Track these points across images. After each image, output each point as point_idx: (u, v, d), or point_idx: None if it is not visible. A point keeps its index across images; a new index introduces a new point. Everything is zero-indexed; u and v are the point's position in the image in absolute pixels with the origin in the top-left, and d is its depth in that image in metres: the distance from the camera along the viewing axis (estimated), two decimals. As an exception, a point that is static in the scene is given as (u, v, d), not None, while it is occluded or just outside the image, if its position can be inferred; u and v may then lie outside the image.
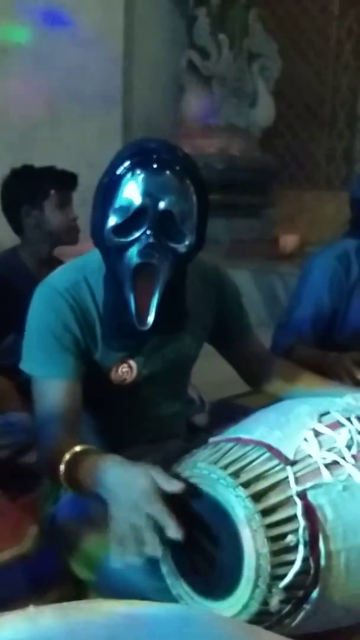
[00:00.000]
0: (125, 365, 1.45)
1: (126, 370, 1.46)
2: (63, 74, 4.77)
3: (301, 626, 1.08)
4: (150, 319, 1.34)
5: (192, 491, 1.10)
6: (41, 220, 2.27)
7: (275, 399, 1.62)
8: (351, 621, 1.15)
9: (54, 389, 1.37)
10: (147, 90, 5.44)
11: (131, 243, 1.31)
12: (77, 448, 1.25)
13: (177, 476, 1.12)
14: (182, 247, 1.33)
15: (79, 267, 1.45)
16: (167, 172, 1.30)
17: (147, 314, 1.33)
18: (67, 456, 1.24)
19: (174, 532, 1.05)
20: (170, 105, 5.72)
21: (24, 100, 4.64)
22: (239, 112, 5.81)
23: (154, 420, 1.54)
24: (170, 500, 1.09)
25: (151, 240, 1.29)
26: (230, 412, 1.73)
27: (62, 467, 1.24)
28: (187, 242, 1.33)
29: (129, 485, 1.10)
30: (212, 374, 1.76)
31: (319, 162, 6.46)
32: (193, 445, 1.47)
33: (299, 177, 6.55)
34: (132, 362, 1.46)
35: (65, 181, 2.31)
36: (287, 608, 1.04)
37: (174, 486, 1.08)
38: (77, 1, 4.80)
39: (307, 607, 1.06)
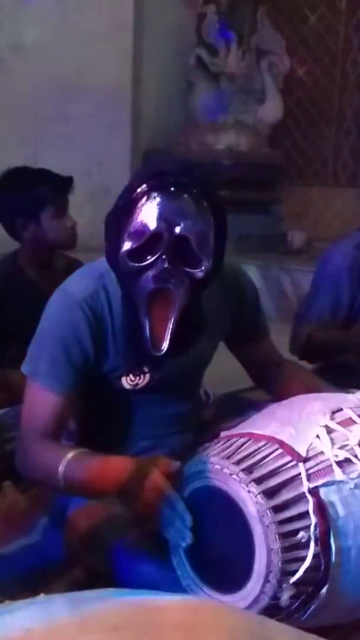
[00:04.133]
0: (138, 372, 1.43)
1: (139, 376, 1.44)
2: (72, 70, 4.77)
3: (310, 620, 1.09)
4: (165, 345, 1.31)
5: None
6: (38, 232, 2.15)
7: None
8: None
9: (49, 401, 1.36)
10: (155, 87, 5.44)
11: (146, 268, 1.28)
12: (76, 452, 1.28)
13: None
14: (198, 273, 1.30)
15: (98, 275, 1.40)
16: (184, 195, 1.27)
17: (162, 341, 1.31)
18: (69, 455, 1.27)
19: (187, 519, 1.10)
20: (179, 102, 5.71)
21: (34, 96, 4.65)
22: (247, 109, 5.80)
23: (165, 419, 1.53)
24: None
25: (166, 265, 1.27)
26: (236, 406, 1.74)
27: (61, 469, 1.26)
28: (203, 267, 1.30)
29: (137, 481, 1.14)
30: (218, 368, 1.76)
31: (326, 159, 6.43)
32: (200, 439, 1.48)
33: (307, 173, 6.52)
34: (145, 369, 1.43)
35: (61, 188, 2.17)
36: (297, 603, 1.06)
37: (173, 466, 1.13)
38: (88, -1, 4.81)
39: (316, 602, 1.07)
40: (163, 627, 0.67)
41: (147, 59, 5.32)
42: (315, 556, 1.04)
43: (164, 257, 1.27)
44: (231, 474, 1.08)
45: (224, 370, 1.80)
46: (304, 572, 1.03)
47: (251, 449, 1.12)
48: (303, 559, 1.03)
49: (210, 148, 5.44)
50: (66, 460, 1.26)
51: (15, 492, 1.55)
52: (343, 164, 6.35)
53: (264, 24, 5.87)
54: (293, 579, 1.03)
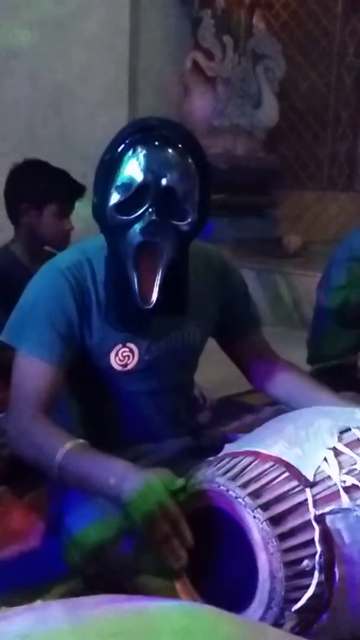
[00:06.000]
0: (126, 349, 1.42)
1: (127, 355, 1.42)
2: (69, 74, 4.77)
3: (310, 640, 1.08)
4: (154, 297, 1.33)
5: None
6: (36, 223, 2.20)
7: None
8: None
9: (37, 369, 1.35)
10: (152, 91, 5.44)
11: (134, 221, 1.30)
12: (75, 442, 1.25)
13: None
14: (184, 225, 1.32)
15: (83, 249, 1.44)
16: (169, 149, 1.30)
17: (150, 293, 1.33)
18: (67, 445, 1.24)
19: (188, 537, 1.07)
20: (175, 105, 5.72)
21: (31, 100, 4.65)
22: (243, 113, 5.81)
23: (160, 419, 1.51)
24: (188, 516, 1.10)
25: (154, 217, 1.28)
26: (233, 409, 1.73)
27: (58, 458, 1.24)
28: (189, 220, 1.32)
29: (145, 497, 1.11)
30: (214, 372, 1.75)
31: (322, 163, 6.44)
32: (198, 443, 1.48)
33: (303, 177, 6.52)
34: (132, 346, 1.42)
35: (73, 193, 2.24)
36: (297, 629, 1.04)
37: (178, 483, 1.10)
38: (84, 2, 4.80)
39: (317, 626, 1.05)
40: (160, 633, 0.67)
41: (144, 63, 5.32)
42: (318, 584, 1.02)
43: (151, 209, 1.28)
44: (237, 497, 1.06)
45: (220, 375, 1.79)
46: (307, 600, 1.02)
47: (257, 471, 1.10)
48: (306, 587, 1.02)
49: (206, 152, 5.44)
50: (64, 450, 1.24)
51: (12, 498, 1.55)
52: (339, 168, 6.36)
53: (259, 28, 5.88)
54: (295, 607, 1.02)
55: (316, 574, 1.02)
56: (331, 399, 1.50)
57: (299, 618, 1.03)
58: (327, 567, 1.03)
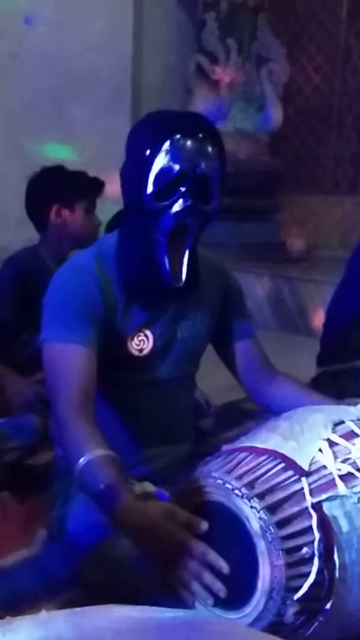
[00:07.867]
0: (141, 334, 1.49)
1: (142, 339, 1.49)
2: (73, 77, 4.78)
3: (314, 636, 1.07)
4: (184, 275, 1.42)
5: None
6: (70, 221, 2.30)
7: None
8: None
9: (72, 354, 1.39)
10: (155, 94, 5.44)
11: (169, 206, 1.38)
12: (97, 454, 1.24)
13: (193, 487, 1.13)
14: (210, 209, 1.41)
15: (94, 249, 1.52)
16: (200, 138, 1.38)
17: (180, 271, 1.42)
18: (87, 456, 1.23)
19: (223, 566, 1.06)
20: (179, 109, 5.72)
21: (34, 102, 4.65)
22: (246, 117, 5.81)
23: (167, 415, 1.53)
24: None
25: (189, 203, 1.37)
26: (236, 415, 1.73)
27: (81, 462, 1.23)
28: (214, 204, 1.41)
29: (157, 540, 1.10)
30: (217, 378, 1.75)
31: (326, 167, 6.44)
32: (201, 450, 1.47)
33: (307, 181, 6.52)
34: (148, 332, 1.50)
35: (95, 188, 2.36)
36: (301, 619, 1.04)
37: (201, 526, 1.09)
38: (87, 5, 4.81)
39: (320, 618, 1.05)
40: (167, 644, 0.66)
41: (147, 66, 5.33)
42: (319, 572, 1.02)
43: (186, 195, 1.37)
44: (233, 489, 1.06)
45: (223, 381, 1.79)
46: (308, 588, 1.02)
47: (253, 464, 1.11)
48: (307, 575, 1.02)
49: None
50: (87, 459, 1.23)
51: (13, 504, 1.54)
52: (343, 172, 6.35)
53: (263, 32, 5.88)
54: (297, 596, 1.02)
55: (316, 560, 1.02)
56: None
57: (301, 606, 1.03)
58: (327, 554, 1.03)
